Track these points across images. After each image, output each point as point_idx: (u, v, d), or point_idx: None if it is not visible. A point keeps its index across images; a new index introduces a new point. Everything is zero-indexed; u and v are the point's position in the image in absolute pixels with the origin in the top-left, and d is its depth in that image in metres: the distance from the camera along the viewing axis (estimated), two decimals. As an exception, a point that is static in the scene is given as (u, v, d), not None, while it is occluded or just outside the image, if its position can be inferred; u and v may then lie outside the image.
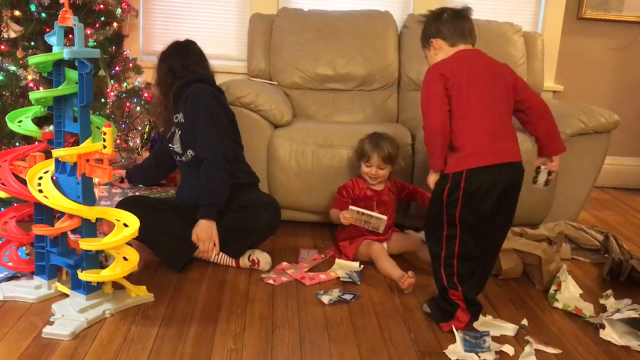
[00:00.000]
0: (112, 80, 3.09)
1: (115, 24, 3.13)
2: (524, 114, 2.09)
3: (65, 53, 1.86)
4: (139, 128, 3.32)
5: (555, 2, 3.83)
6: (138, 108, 3.26)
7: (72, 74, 1.97)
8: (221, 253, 2.43)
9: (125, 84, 3.19)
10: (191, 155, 2.50)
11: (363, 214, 2.46)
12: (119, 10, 3.12)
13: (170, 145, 2.58)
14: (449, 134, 1.95)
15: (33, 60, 1.95)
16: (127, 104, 3.22)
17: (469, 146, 1.94)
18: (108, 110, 3.05)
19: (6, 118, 2.09)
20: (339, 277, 2.38)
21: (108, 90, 3.05)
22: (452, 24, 2.09)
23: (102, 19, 3.05)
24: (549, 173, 2.15)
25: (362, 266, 2.45)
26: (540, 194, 2.87)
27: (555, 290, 2.30)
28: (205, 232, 2.37)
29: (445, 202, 1.96)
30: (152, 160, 2.82)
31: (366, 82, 3.41)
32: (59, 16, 1.93)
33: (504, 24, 3.52)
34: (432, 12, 2.16)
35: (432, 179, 2.03)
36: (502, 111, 2.00)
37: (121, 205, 2.37)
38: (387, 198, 2.61)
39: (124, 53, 3.27)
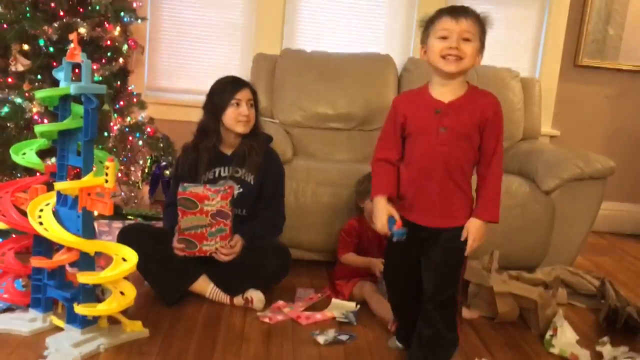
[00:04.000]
0: (115, 115, 3.14)
1: (121, 60, 3.19)
2: None
3: (72, 89, 1.89)
4: (141, 162, 3.35)
5: (552, 49, 3.92)
6: (140, 142, 3.29)
7: (77, 109, 2.00)
8: (217, 290, 2.43)
9: (128, 119, 3.23)
10: (243, 214, 2.52)
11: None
12: (125, 47, 3.18)
13: None
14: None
15: (40, 94, 1.99)
16: (130, 138, 3.26)
17: None
18: (110, 144, 3.08)
19: (10, 150, 2.11)
20: (335, 317, 2.37)
21: (111, 124, 3.09)
22: None
23: (109, 54, 3.11)
24: None
25: (358, 306, 2.44)
26: (538, 237, 2.89)
27: (552, 336, 2.29)
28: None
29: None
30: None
31: (366, 122, 3.46)
32: (68, 52, 1.97)
33: (502, 70, 3.59)
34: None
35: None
36: None
37: (122, 233, 2.40)
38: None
39: (129, 88, 3.32)
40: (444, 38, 1.75)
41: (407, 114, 1.83)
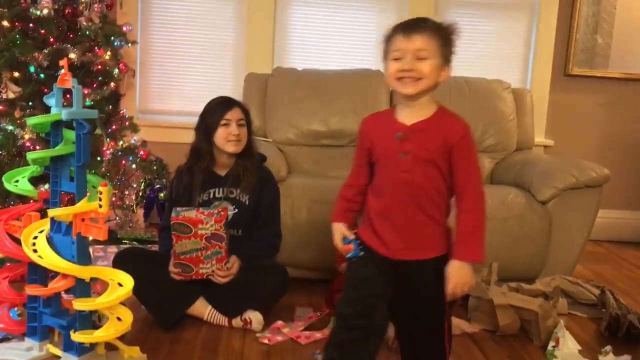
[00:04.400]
0: (108, 139, 3.13)
1: (112, 84, 3.19)
2: None
3: (64, 114, 1.88)
4: (135, 185, 3.33)
5: (542, 60, 3.94)
6: (133, 166, 3.28)
7: (69, 134, 1.99)
8: (215, 312, 2.41)
9: (121, 142, 3.22)
10: (239, 234, 2.51)
11: None
12: (116, 71, 3.18)
13: None
14: None
15: (32, 121, 1.98)
16: (123, 161, 3.25)
17: None
18: (103, 168, 3.07)
19: (2, 178, 2.10)
20: (335, 336, 2.35)
21: (104, 148, 3.09)
22: None
23: (100, 78, 3.11)
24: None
25: (358, 324, 2.42)
26: (536, 248, 2.89)
27: (554, 347, 2.28)
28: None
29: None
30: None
31: (359, 138, 3.45)
32: (59, 78, 1.96)
33: (493, 81, 3.61)
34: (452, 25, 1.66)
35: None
36: None
37: (117, 257, 2.39)
38: None
39: (121, 112, 3.32)
40: (398, 59, 1.59)
41: (373, 138, 1.70)
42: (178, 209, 2.33)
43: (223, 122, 2.45)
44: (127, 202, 3.29)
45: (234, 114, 2.47)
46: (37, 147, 2.73)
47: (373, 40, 3.87)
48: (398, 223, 1.66)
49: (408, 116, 1.65)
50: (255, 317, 2.37)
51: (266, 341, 2.27)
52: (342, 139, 3.45)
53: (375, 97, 3.50)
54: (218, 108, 2.49)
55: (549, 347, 2.28)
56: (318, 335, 2.33)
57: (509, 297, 2.48)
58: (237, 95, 3.73)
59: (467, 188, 1.62)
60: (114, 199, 3.21)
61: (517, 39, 3.96)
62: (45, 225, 2.01)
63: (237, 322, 2.38)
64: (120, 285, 1.93)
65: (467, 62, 3.89)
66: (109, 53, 3.09)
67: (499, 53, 3.94)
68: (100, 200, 1.83)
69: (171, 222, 2.29)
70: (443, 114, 1.66)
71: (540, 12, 3.91)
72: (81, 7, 3.02)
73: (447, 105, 3.56)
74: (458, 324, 2.43)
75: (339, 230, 1.76)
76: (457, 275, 1.60)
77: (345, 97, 3.45)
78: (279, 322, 2.43)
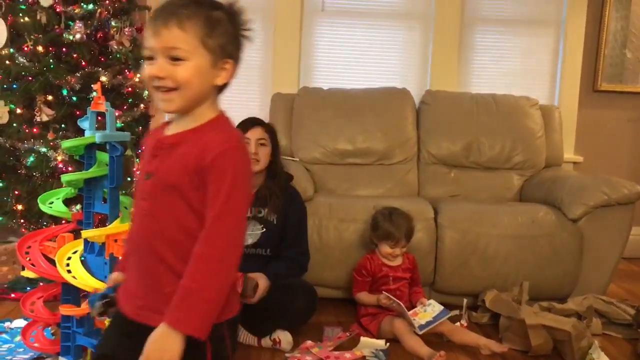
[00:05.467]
0: (137, 160, 3.18)
1: (142, 106, 3.24)
2: None
3: (97, 137, 1.92)
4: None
5: (570, 76, 3.91)
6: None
7: (102, 156, 2.03)
8: (244, 332, 2.41)
9: (150, 163, 3.27)
10: (267, 253, 2.52)
11: (395, 302, 2.45)
12: (146, 93, 3.24)
13: None
14: None
15: (66, 144, 2.02)
16: (152, 181, 3.29)
17: None
18: (134, 189, 3.11)
19: (38, 200, 2.14)
20: (364, 356, 2.33)
21: (134, 169, 3.13)
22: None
23: (130, 100, 3.17)
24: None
25: (388, 344, 2.40)
26: (567, 267, 2.84)
27: (589, 368, 2.23)
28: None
29: None
30: None
31: (386, 156, 3.46)
32: (92, 102, 2.01)
33: (520, 98, 3.58)
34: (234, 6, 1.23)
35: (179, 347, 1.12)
36: None
37: None
38: (402, 274, 2.60)
39: (150, 133, 3.37)
40: (150, 59, 1.18)
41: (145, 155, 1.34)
42: None
43: None
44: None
45: (253, 133, 2.49)
46: (70, 169, 2.79)
47: (399, 58, 3.88)
48: (133, 271, 1.27)
49: (175, 127, 1.26)
50: (284, 337, 2.37)
51: (295, 361, 2.26)
52: (369, 157, 3.45)
53: (401, 114, 3.50)
54: (240, 127, 2.52)
55: (584, 369, 2.24)
56: (347, 355, 2.32)
57: (540, 317, 2.44)
58: (264, 115, 3.77)
59: (209, 229, 1.16)
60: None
61: (545, 55, 3.93)
62: (79, 246, 2.04)
63: (266, 341, 2.39)
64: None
65: (494, 79, 3.89)
66: (138, 75, 3.15)
67: (526, 69, 3.92)
68: (132, 221, 1.86)
69: None
70: (211, 126, 1.22)
71: (567, 28, 3.88)
72: (112, 32, 3.08)
73: (474, 123, 3.54)
74: (487, 344, 2.39)
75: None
76: (153, 347, 1.12)
77: (372, 116, 3.46)
78: (308, 342, 2.42)
